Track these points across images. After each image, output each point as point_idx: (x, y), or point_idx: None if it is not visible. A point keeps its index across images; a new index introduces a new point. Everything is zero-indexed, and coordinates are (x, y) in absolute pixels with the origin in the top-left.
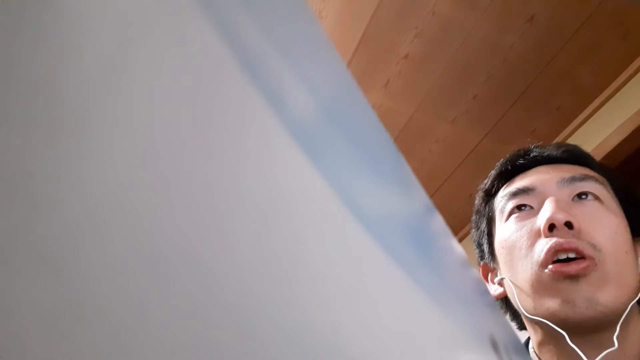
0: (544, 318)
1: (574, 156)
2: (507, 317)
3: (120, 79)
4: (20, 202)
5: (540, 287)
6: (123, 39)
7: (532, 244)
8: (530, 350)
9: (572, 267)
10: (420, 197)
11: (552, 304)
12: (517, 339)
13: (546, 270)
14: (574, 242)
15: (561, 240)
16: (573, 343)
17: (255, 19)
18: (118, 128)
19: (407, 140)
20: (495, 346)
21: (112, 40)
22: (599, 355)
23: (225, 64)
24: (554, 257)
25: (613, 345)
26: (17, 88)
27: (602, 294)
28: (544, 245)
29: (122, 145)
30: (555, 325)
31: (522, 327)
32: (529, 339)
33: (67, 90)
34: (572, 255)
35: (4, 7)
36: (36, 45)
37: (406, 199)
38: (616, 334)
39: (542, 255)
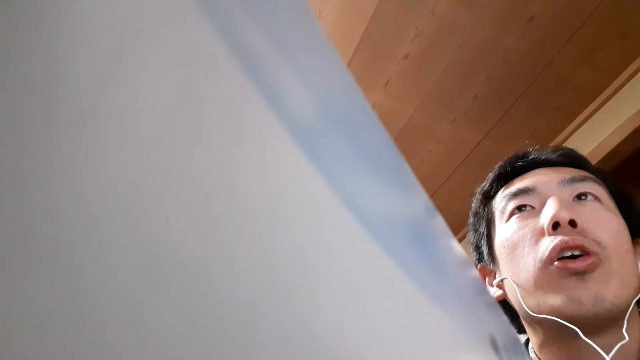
0: (548, 315)
1: (572, 159)
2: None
3: (118, 78)
4: (17, 202)
5: (544, 283)
6: (121, 38)
7: (536, 242)
8: (531, 351)
9: (579, 264)
10: (420, 197)
11: (556, 300)
12: (517, 339)
13: (552, 267)
14: (579, 240)
15: (566, 238)
16: (579, 342)
17: (255, 18)
18: (117, 128)
19: (407, 140)
20: (495, 346)
21: (110, 40)
22: (606, 352)
23: (225, 63)
24: (559, 254)
25: (622, 339)
26: (15, 88)
27: (608, 291)
28: (549, 243)
29: (121, 145)
30: (560, 324)
31: (521, 330)
32: (527, 340)
33: (65, 90)
34: (577, 253)
35: (2, 7)
36: (34, 44)
37: (406, 199)
38: (624, 327)
39: (547, 252)
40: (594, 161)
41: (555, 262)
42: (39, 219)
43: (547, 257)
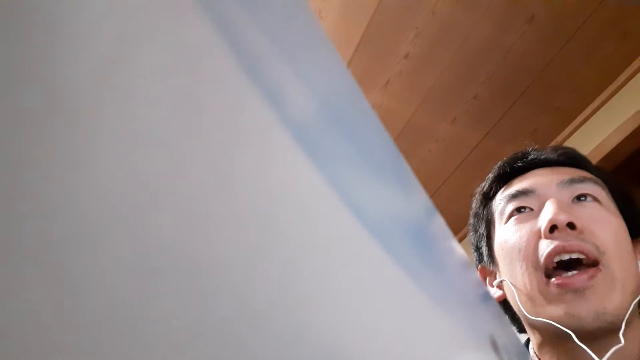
0: (545, 319)
1: (572, 159)
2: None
3: (119, 79)
4: (21, 202)
5: (542, 295)
6: (122, 38)
7: (533, 246)
8: (531, 351)
9: (577, 280)
10: (420, 197)
11: (553, 312)
12: (517, 340)
13: (551, 283)
14: (577, 245)
15: (563, 243)
16: (576, 345)
17: (255, 19)
18: (119, 128)
19: (407, 140)
20: (495, 346)
21: (111, 40)
22: (603, 354)
23: (225, 64)
24: (555, 258)
25: (618, 343)
26: (15, 88)
27: (609, 302)
28: (545, 248)
29: (121, 145)
30: (558, 329)
31: (521, 330)
32: (528, 340)
33: (68, 91)
34: (574, 256)
35: (3, 6)
36: (35, 44)
37: (406, 199)
38: (622, 331)
39: (543, 259)
40: (594, 161)
41: (553, 279)
42: (34, 219)
43: (543, 263)
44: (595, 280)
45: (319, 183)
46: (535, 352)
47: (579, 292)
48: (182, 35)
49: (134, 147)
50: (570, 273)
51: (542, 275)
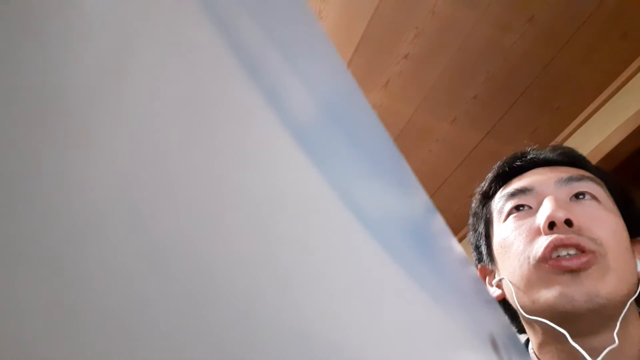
0: (542, 315)
1: (570, 158)
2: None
3: (121, 79)
4: (21, 202)
5: (537, 279)
6: (124, 39)
7: (531, 241)
8: (530, 351)
9: (573, 262)
10: (420, 197)
11: (549, 295)
12: (517, 339)
13: (545, 265)
14: (574, 238)
15: (562, 236)
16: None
17: (256, 19)
18: (119, 128)
19: (407, 140)
20: (495, 346)
21: (113, 41)
22: (600, 354)
23: (226, 64)
24: (553, 252)
25: (613, 343)
26: (18, 89)
27: (603, 286)
28: (544, 241)
29: (124, 145)
30: (554, 322)
31: (521, 330)
32: (527, 340)
33: (68, 91)
34: (572, 252)
35: (5, 8)
36: (38, 46)
37: (406, 199)
38: (616, 330)
39: (542, 250)
40: (594, 161)
41: (550, 261)
42: (43, 218)
43: (541, 255)
44: (590, 266)
45: (318, 183)
46: (535, 352)
47: (574, 274)
48: (182, 36)
49: (133, 147)
50: (565, 253)
51: (537, 262)
